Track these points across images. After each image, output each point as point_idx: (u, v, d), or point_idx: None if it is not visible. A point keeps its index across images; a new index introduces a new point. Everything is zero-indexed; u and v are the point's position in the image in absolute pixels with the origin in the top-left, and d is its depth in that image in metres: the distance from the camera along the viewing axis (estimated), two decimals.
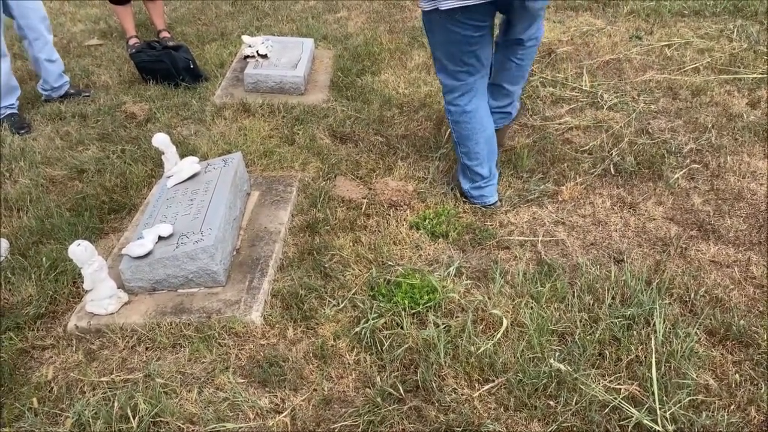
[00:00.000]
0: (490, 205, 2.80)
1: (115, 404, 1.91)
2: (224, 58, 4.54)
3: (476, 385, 1.98)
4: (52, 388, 2.03)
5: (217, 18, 5.46)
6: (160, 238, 2.38)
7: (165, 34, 5.00)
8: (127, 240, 2.66)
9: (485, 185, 2.76)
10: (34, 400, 1.97)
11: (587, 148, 3.18)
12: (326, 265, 2.48)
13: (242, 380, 2.04)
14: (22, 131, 3.72)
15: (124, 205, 2.96)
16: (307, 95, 3.98)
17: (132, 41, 4.90)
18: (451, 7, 2.32)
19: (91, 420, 1.88)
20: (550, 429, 1.82)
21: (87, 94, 4.14)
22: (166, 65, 4.04)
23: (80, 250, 2.17)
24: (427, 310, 2.23)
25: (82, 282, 2.41)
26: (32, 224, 2.79)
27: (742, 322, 2.11)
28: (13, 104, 3.82)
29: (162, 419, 1.88)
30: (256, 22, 5.27)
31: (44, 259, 2.54)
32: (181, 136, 3.52)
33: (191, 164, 2.80)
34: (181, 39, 4.97)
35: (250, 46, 4.15)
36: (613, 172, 2.98)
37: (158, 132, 3.11)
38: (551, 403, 1.89)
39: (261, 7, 5.58)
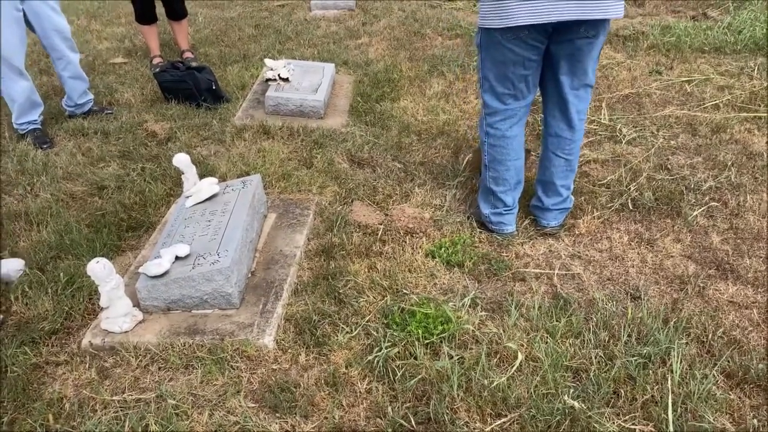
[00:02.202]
0: (507, 234, 2.79)
1: (126, 424, 1.91)
2: (246, 80, 4.60)
3: (488, 420, 1.96)
4: (64, 405, 2.03)
5: (240, 40, 5.55)
6: (177, 258, 2.39)
7: (188, 54, 5.09)
8: (144, 258, 2.68)
9: (506, 213, 2.78)
10: (50, 416, 1.97)
11: (605, 182, 3.18)
12: (340, 291, 2.48)
13: (253, 405, 2.03)
14: (45, 146, 3.78)
15: (143, 223, 2.98)
16: (327, 119, 4.02)
17: (156, 60, 4.99)
18: (521, 24, 2.28)
19: None
20: None
21: (110, 111, 4.21)
22: (188, 86, 4.10)
23: (99, 268, 2.19)
24: (441, 341, 2.22)
25: (99, 299, 2.42)
26: (51, 239, 2.82)
27: (761, 365, 2.08)
28: (35, 120, 3.88)
29: None
30: (278, 45, 5.35)
31: (61, 274, 2.57)
32: (201, 156, 3.56)
33: (210, 185, 2.82)
34: (204, 60, 5.06)
35: (272, 69, 4.21)
36: (631, 207, 2.97)
37: (179, 152, 3.17)
38: None
39: (283, 31, 5.67)
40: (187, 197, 2.82)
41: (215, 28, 5.87)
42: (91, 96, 4.19)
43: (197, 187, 2.82)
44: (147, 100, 4.40)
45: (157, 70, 4.37)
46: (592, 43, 2.38)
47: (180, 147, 3.64)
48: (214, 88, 4.15)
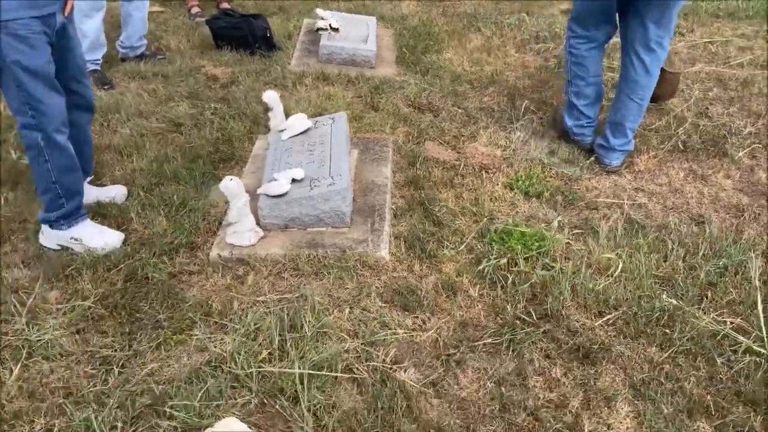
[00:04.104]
0: (586, 143, 3.20)
1: (285, 316, 2.13)
2: (290, 30, 4.73)
3: (594, 318, 2.24)
4: (211, 305, 2.24)
5: None
6: (294, 180, 2.59)
7: (225, 4, 5.16)
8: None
9: (587, 125, 3.19)
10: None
11: (653, 127, 3.46)
12: (437, 215, 2.72)
13: (384, 304, 2.26)
14: (106, 87, 3.88)
15: (232, 156, 3.15)
16: (377, 69, 4.20)
17: (194, 9, 5.07)
18: None
19: (263, 329, 2.09)
20: (668, 353, 2.09)
21: (162, 56, 4.30)
22: (243, 32, 4.22)
23: (233, 185, 2.39)
24: (539, 255, 2.49)
25: (213, 218, 2.63)
26: (152, 167, 2.98)
27: None
28: (97, 60, 3.96)
29: (325, 330, 2.10)
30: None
31: (174, 197, 2.74)
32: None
33: (303, 120, 3.01)
34: (242, 11, 5.14)
35: (323, 19, 4.35)
36: (681, 148, 3.27)
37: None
38: (667, 331, 2.15)
39: None
40: (281, 131, 3.00)
41: None
42: (145, 41, 4.27)
43: (291, 122, 3.00)
44: (196, 47, 4.50)
45: (208, 17, 4.47)
46: None
47: (244, 90, 3.79)
48: (268, 35, 4.28)
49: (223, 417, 1.73)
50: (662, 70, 3.30)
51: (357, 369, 1.97)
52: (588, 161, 3.17)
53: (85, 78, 2.58)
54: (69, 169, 2.42)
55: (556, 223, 2.67)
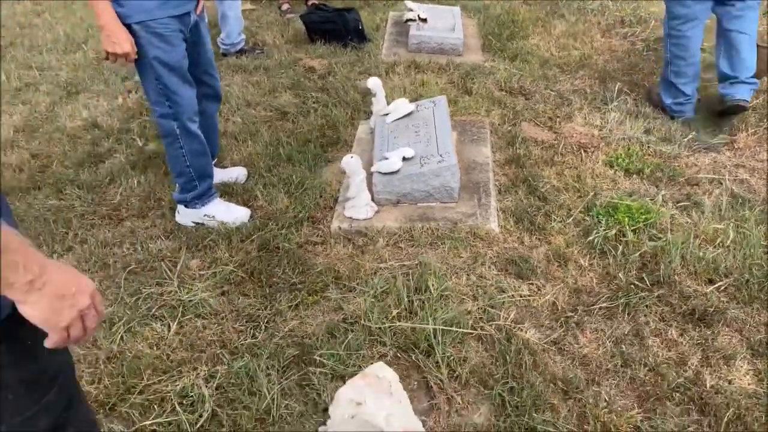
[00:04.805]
0: (687, 117, 3.31)
1: (411, 279, 2.30)
2: (377, 22, 4.92)
3: (705, 284, 2.31)
4: (339, 270, 2.43)
5: None
6: (404, 159, 2.76)
7: (314, 0, 5.39)
8: None
9: (686, 102, 3.31)
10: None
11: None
12: (541, 190, 2.83)
13: (498, 272, 2.40)
14: None
15: (338, 140, 3.35)
16: (465, 56, 4.34)
17: (284, 6, 5.33)
18: None
19: (391, 291, 2.27)
20: None
21: (260, 50, 4.57)
22: (337, 25, 4.43)
23: (354, 162, 2.57)
24: (646, 227, 2.57)
25: (329, 195, 2.82)
26: (268, 151, 3.21)
27: None
28: None
29: (447, 294, 2.26)
30: None
31: (294, 176, 2.95)
32: (364, 86, 3.89)
33: (405, 104, 3.18)
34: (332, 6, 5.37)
35: (411, 10, 4.51)
36: None
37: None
38: None
39: None
40: (384, 115, 3.18)
41: None
42: (243, 37, 4.54)
43: (394, 106, 3.18)
44: (290, 41, 4.75)
45: (300, 13, 4.71)
46: None
47: (341, 80, 3.99)
48: (360, 28, 4.47)
49: (365, 367, 1.91)
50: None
51: (482, 327, 2.12)
52: (686, 139, 3.21)
53: (214, 70, 2.82)
54: (200, 154, 2.66)
55: (660, 197, 2.74)
